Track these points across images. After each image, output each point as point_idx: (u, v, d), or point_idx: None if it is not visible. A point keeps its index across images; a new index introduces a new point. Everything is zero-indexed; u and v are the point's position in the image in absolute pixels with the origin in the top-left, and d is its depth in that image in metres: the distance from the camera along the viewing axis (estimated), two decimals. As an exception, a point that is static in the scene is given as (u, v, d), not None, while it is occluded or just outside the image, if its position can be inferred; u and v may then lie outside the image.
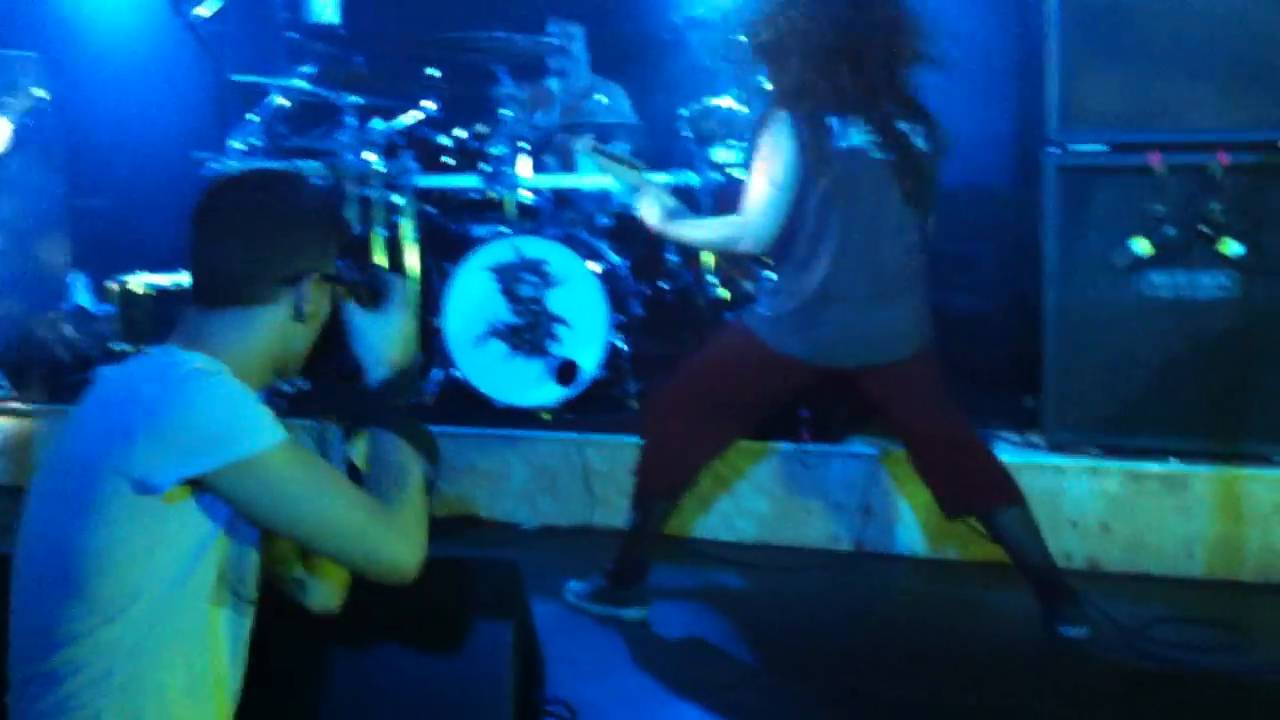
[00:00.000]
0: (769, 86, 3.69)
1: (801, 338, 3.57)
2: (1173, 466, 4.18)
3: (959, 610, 4.02)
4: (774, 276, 3.67)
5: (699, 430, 3.75)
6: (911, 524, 4.38)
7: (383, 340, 2.13)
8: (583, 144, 4.16)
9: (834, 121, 3.49)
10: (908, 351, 3.63)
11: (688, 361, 3.84)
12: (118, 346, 4.55)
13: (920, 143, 3.56)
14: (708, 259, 3.99)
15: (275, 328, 2.04)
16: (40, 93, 5.15)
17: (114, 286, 4.55)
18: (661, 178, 5.19)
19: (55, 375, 5.51)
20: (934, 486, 3.76)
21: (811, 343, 3.57)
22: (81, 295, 6.17)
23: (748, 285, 3.84)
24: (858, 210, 3.50)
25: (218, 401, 1.87)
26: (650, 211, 3.84)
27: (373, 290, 2.13)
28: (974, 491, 3.69)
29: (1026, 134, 4.75)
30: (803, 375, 3.66)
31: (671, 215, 3.82)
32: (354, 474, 2.08)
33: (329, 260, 2.09)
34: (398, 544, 1.98)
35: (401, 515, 2.01)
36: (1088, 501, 4.22)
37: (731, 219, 3.65)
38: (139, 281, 4.48)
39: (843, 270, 3.52)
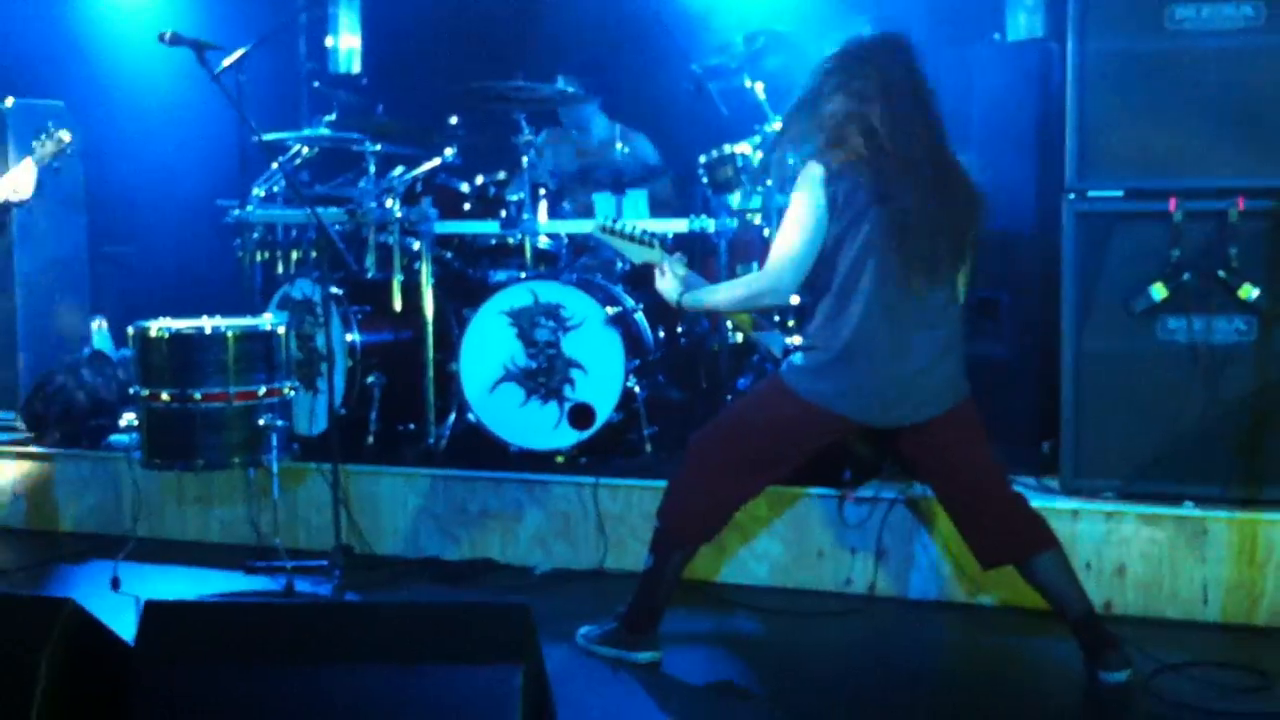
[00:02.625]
0: (803, 139, 3.67)
1: (834, 391, 3.55)
2: (1189, 511, 4.15)
3: (973, 655, 4.00)
4: (807, 328, 3.65)
5: (730, 482, 3.72)
6: (924, 568, 4.36)
7: None
8: (593, 227, 4.18)
9: (869, 175, 3.48)
10: (942, 408, 3.60)
11: (722, 412, 3.84)
12: (135, 390, 4.57)
13: (956, 197, 3.56)
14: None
15: None
16: (66, 138, 5.21)
17: (132, 331, 4.58)
18: (679, 225, 5.23)
19: (72, 420, 5.55)
20: (970, 537, 3.74)
21: (843, 397, 3.56)
22: (101, 340, 6.22)
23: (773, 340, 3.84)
24: (892, 266, 3.48)
25: None
26: (668, 287, 3.85)
27: None
28: (1011, 541, 3.68)
29: (1045, 181, 4.77)
30: (834, 429, 3.64)
31: (689, 286, 3.83)
32: None
33: None
34: None
35: None
36: (1104, 546, 4.19)
37: (753, 275, 3.68)
38: (157, 326, 4.50)
39: (875, 326, 3.50)
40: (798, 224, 3.53)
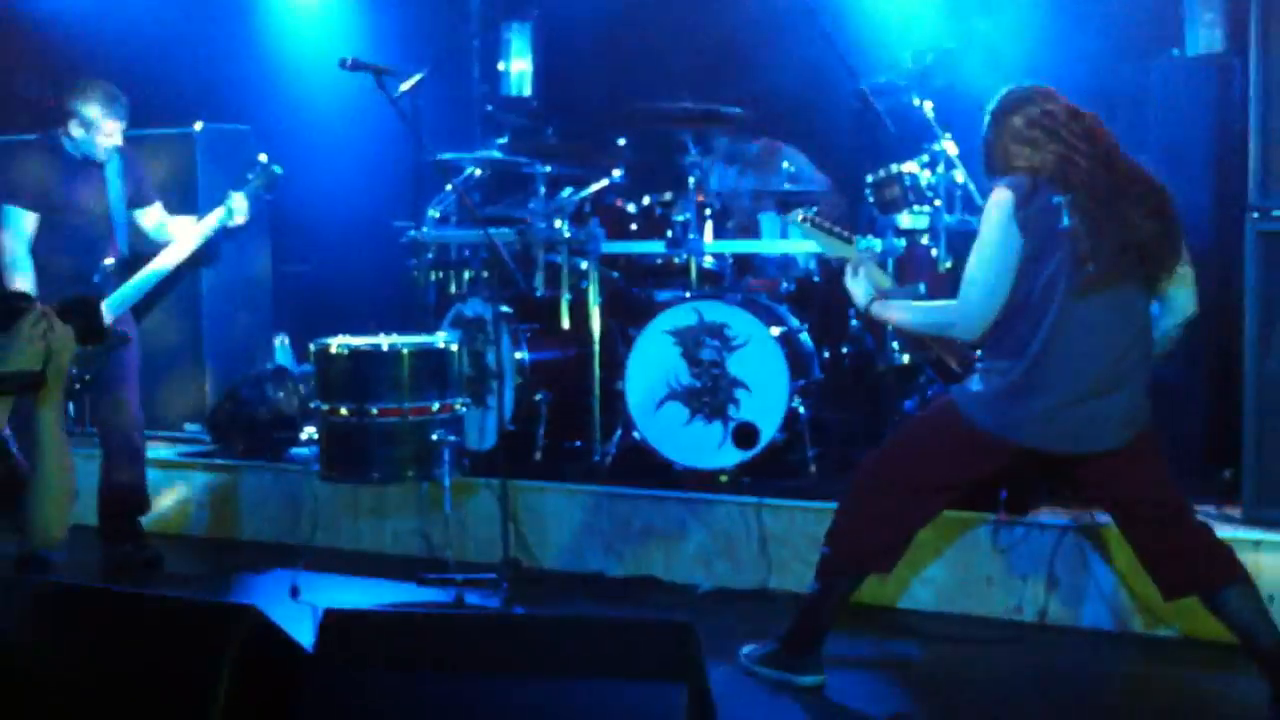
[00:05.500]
0: (996, 162, 3.60)
1: (1011, 420, 3.47)
2: (1382, 544, 3.97)
3: (1150, 688, 3.88)
4: (984, 354, 3.57)
5: (900, 508, 3.66)
6: (1099, 597, 4.24)
7: (1, 352, 2.58)
8: (794, 215, 4.10)
9: (1061, 201, 3.40)
10: (1124, 439, 3.49)
11: (892, 436, 3.77)
12: (314, 405, 4.73)
13: (1151, 221, 3.45)
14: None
15: None
16: (278, 170, 5.40)
17: (313, 348, 4.75)
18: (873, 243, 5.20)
19: (255, 432, 5.76)
20: (1153, 568, 3.63)
21: (1020, 426, 3.47)
22: (283, 356, 6.45)
23: (956, 366, 3.76)
24: (1082, 294, 3.40)
25: None
26: (858, 289, 3.77)
27: (2, 318, 2.60)
28: (1197, 572, 3.56)
29: (1221, 199, 4.63)
30: (1010, 456, 3.56)
31: (882, 294, 3.75)
32: None
33: None
34: None
35: None
36: (1289, 578, 4.03)
37: (946, 304, 3.58)
38: (336, 343, 4.66)
39: (1059, 355, 3.42)
40: (990, 255, 3.45)
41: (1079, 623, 4.27)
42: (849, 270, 3.80)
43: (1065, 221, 3.39)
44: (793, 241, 5.36)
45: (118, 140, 5.12)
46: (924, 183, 5.26)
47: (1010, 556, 4.34)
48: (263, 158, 5.45)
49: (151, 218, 5.39)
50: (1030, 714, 3.66)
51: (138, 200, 5.32)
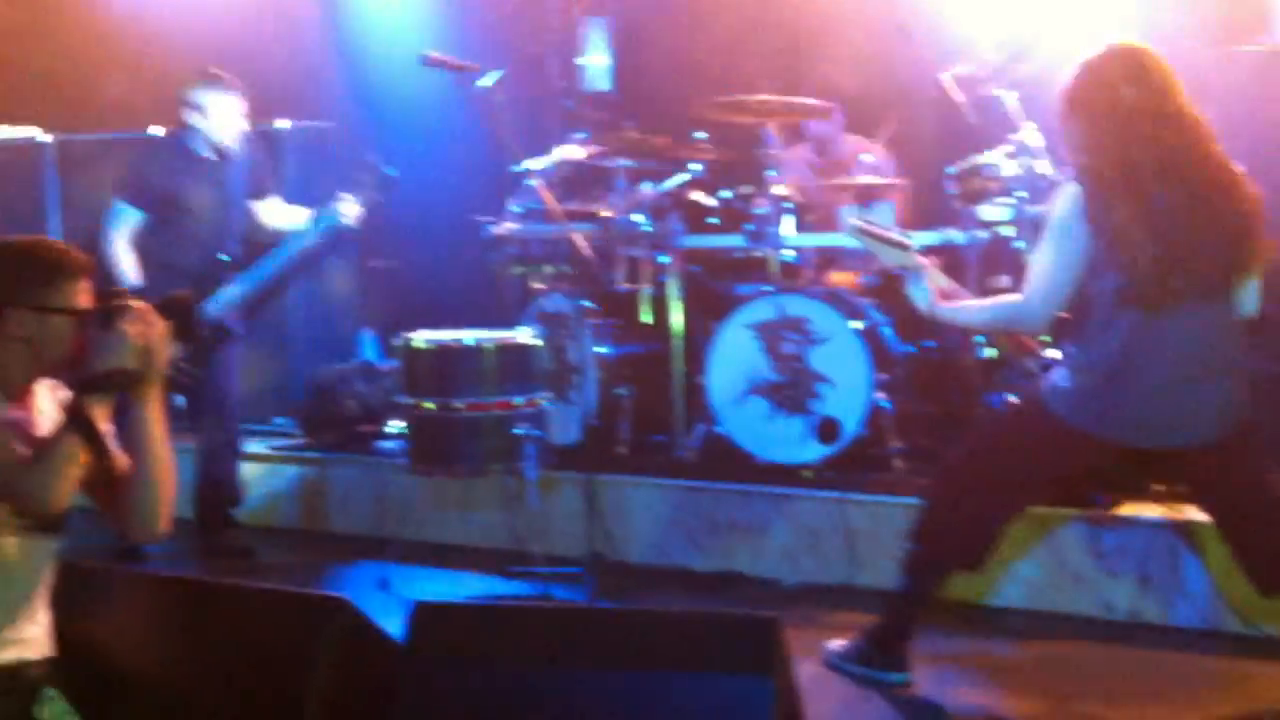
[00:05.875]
0: (1066, 153, 3.55)
1: (1096, 414, 3.42)
2: None
3: (1246, 685, 3.80)
4: (1069, 347, 3.53)
5: (987, 504, 3.62)
6: (1192, 595, 4.18)
7: (99, 350, 2.61)
8: (848, 223, 4.08)
9: (1133, 188, 3.32)
10: (1220, 431, 3.42)
11: (978, 430, 3.74)
12: (401, 399, 4.79)
13: (1229, 205, 3.36)
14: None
15: (6, 344, 2.63)
16: (392, 172, 5.37)
17: (399, 343, 4.80)
18: (928, 237, 5.16)
19: (343, 425, 5.85)
20: (1249, 564, 3.55)
21: (1107, 420, 3.42)
22: (370, 351, 6.53)
23: (1031, 362, 3.71)
24: (1161, 281, 3.31)
25: None
26: (920, 293, 3.73)
27: (103, 316, 2.63)
28: None
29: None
30: (1099, 452, 3.50)
31: (943, 294, 3.71)
32: (90, 431, 2.58)
33: (30, 296, 2.62)
34: (31, 487, 2.54)
35: (40, 468, 2.54)
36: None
37: (1009, 299, 3.55)
38: (421, 338, 4.71)
39: (1145, 344, 3.35)
40: (1055, 248, 3.41)
41: (1171, 621, 4.21)
42: (908, 275, 3.76)
43: (1141, 211, 3.30)
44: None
45: (241, 124, 5.18)
46: (1006, 174, 5.20)
47: (1101, 553, 4.29)
48: (375, 159, 5.44)
49: (270, 211, 5.44)
50: (1122, 714, 3.61)
51: (258, 193, 5.38)
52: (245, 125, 5.21)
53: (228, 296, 5.15)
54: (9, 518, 2.60)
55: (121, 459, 2.72)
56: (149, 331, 2.64)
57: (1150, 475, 3.81)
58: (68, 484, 2.57)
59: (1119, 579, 4.28)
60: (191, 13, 7.18)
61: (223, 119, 5.12)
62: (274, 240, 5.36)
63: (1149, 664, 3.97)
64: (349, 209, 5.30)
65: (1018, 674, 3.91)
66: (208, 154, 5.18)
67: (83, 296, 2.68)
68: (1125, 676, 3.89)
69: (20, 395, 2.69)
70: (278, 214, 5.46)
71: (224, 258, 5.19)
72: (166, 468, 2.72)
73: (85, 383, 2.61)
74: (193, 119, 5.12)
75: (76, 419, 2.57)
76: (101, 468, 2.65)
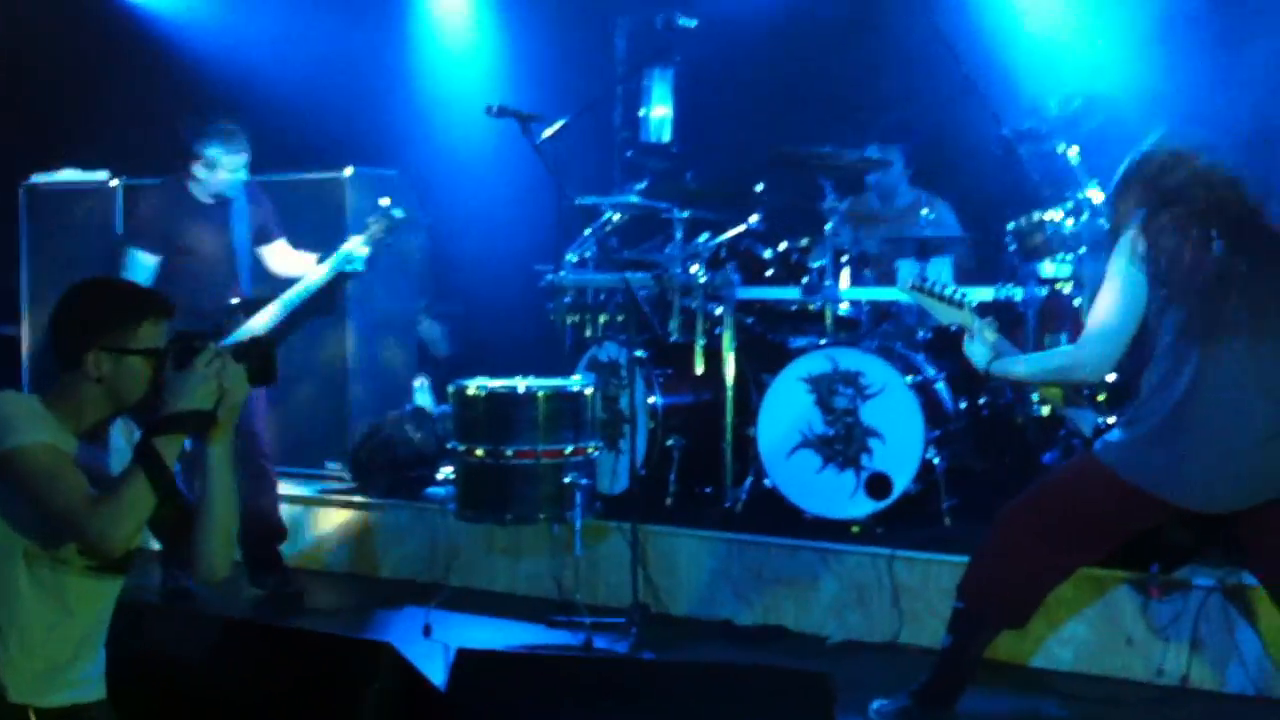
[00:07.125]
0: (1124, 206, 3.55)
1: (1157, 472, 3.38)
2: None
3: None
4: (1131, 403, 3.50)
5: (1037, 563, 3.59)
6: (1245, 661, 4.09)
7: (173, 391, 2.63)
8: (905, 282, 4.12)
9: (1194, 241, 3.33)
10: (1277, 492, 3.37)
11: (1030, 489, 3.71)
12: (452, 445, 4.82)
13: None
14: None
15: (83, 383, 2.66)
16: (399, 214, 5.52)
17: (452, 389, 4.84)
18: (986, 292, 5.13)
19: (395, 471, 5.88)
20: None
21: (1166, 479, 3.38)
22: (423, 396, 6.58)
23: (1085, 417, 3.69)
24: (1224, 336, 3.31)
25: None
26: (977, 352, 3.73)
27: (178, 357, 2.67)
28: None
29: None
30: (1156, 512, 3.45)
31: (999, 353, 3.70)
32: (160, 472, 2.58)
33: (108, 337, 2.64)
34: (99, 527, 2.51)
35: (108, 508, 2.52)
36: None
37: (1065, 349, 3.56)
38: (475, 385, 4.74)
39: (1205, 399, 3.32)
40: (1115, 298, 3.41)
41: (1223, 688, 4.13)
42: (965, 337, 3.78)
43: (1202, 264, 3.31)
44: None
45: (242, 175, 5.27)
46: (1067, 230, 5.16)
47: (1152, 617, 4.22)
48: (384, 202, 5.56)
49: (276, 255, 5.53)
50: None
51: (262, 238, 5.47)
52: (244, 176, 5.29)
53: (240, 339, 5.24)
54: (75, 558, 2.62)
55: (189, 501, 2.74)
56: (224, 373, 2.66)
57: (1204, 536, 3.74)
58: (135, 525, 2.57)
59: (1170, 643, 4.20)
60: (260, 60, 7.33)
61: (225, 174, 5.20)
62: (283, 285, 5.45)
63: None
64: (358, 250, 5.40)
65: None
66: (206, 199, 5.27)
67: (159, 337, 2.70)
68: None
69: (94, 434, 2.71)
70: (285, 258, 5.55)
71: (233, 301, 5.28)
72: (232, 509, 2.73)
73: (157, 423, 2.61)
74: (195, 168, 5.21)
75: (146, 459, 2.57)
76: (170, 509, 2.65)
